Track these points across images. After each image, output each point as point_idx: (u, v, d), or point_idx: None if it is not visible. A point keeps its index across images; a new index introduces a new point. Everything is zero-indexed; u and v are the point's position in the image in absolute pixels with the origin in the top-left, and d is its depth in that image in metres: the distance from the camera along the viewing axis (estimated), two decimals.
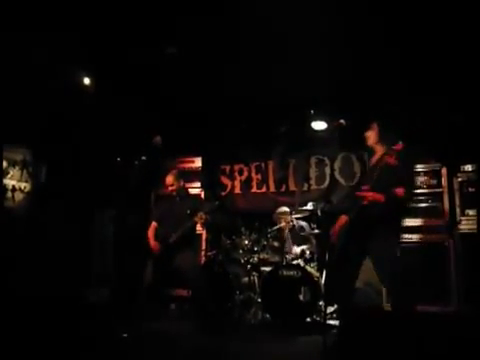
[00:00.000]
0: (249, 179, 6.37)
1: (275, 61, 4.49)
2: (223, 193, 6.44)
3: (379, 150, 3.28)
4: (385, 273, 3.00)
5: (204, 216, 4.13)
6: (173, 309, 5.23)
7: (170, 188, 4.40)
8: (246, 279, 4.82)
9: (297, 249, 4.82)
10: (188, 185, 5.39)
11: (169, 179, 4.42)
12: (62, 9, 3.86)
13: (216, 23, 4.05)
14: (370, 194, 2.98)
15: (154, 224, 4.37)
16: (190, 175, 5.99)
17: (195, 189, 5.94)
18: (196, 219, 4.15)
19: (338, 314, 4.24)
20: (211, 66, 4.80)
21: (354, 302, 3.72)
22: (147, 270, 4.14)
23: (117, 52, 4.51)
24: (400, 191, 2.93)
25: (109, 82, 5.05)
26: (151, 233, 4.33)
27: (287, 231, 5.12)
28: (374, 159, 3.34)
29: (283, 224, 5.05)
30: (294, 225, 5.10)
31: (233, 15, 3.91)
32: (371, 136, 3.33)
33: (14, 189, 5.27)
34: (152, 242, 4.26)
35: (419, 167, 4.46)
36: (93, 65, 4.84)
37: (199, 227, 4.97)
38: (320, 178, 5.80)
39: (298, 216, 5.12)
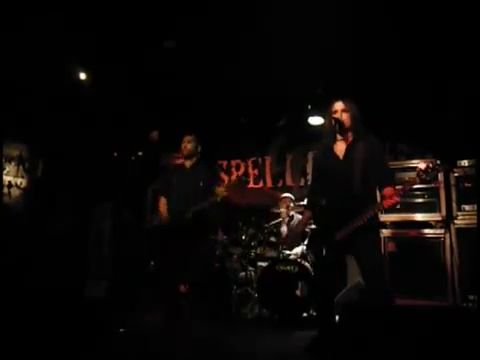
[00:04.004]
0: (246, 174, 6.38)
1: (273, 56, 4.47)
2: None
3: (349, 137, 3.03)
4: (368, 271, 2.87)
5: (225, 191, 3.51)
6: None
7: (187, 146, 3.94)
8: (243, 274, 4.84)
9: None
10: None
11: (187, 138, 3.98)
12: (61, 5, 3.85)
13: (214, 17, 4.04)
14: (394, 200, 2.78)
15: (163, 199, 3.87)
16: None
17: None
18: (217, 193, 3.50)
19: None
20: (209, 62, 4.78)
21: (352, 298, 3.72)
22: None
23: (115, 48, 4.49)
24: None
25: (106, 77, 5.04)
26: (163, 207, 3.81)
27: (285, 218, 5.04)
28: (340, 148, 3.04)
29: (283, 210, 5.01)
30: (293, 216, 5.08)
31: (231, 10, 3.90)
32: (346, 118, 3.01)
33: (10, 185, 5.25)
34: (164, 214, 3.76)
35: (416, 162, 4.45)
36: (91, 61, 4.82)
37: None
38: None
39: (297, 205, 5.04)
